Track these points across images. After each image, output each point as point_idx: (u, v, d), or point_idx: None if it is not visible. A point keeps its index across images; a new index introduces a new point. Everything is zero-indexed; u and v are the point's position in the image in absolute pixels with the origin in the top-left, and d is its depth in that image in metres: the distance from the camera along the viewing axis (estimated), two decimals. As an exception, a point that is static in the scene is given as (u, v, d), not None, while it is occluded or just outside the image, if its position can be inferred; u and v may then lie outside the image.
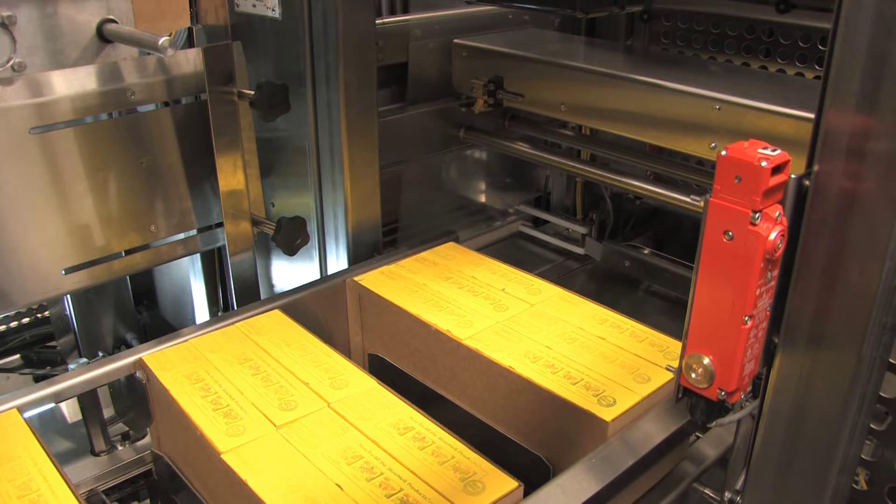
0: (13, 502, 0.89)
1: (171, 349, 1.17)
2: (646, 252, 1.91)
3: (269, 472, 0.93)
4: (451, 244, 1.49)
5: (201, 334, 1.21)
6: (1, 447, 0.98)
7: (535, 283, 1.34)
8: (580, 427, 1.03)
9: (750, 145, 0.68)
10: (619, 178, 1.56)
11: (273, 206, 1.54)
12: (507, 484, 0.91)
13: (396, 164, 1.70)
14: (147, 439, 1.24)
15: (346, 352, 1.37)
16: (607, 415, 1.01)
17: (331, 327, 1.35)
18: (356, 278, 1.35)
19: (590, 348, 1.16)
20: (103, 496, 1.19)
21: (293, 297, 1.32)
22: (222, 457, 0.96)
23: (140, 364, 1.15)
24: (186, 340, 1.19)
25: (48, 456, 0.97)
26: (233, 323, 1.24)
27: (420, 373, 1.26)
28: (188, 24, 1.40)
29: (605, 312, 1.26)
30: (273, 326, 1.23)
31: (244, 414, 1.03)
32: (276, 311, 1.27)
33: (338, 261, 1.49)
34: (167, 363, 1.14)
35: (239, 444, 0.98)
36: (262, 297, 1.56)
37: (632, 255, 1.91)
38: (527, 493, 0.92)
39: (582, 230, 2.00)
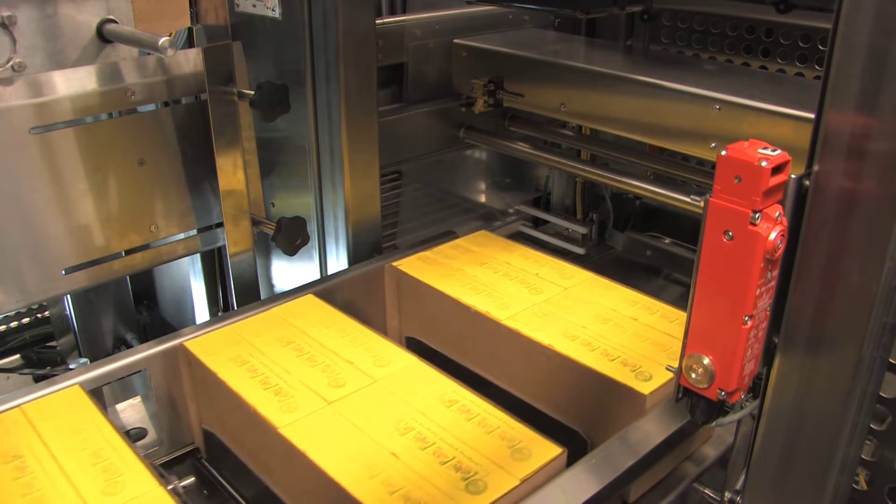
0: (89, 469, 0.94)
1: (212, 334, 1.19)
2: (666, 241, 1.96)
3: (326, 444, 0.96)
4: (483, 232, 1.53)
5: (239, 320, 1.23)
6: (70, 420, 1.02)
7: (568, 268, 1.38)
8: (619, 401, 1.07)
9: (750, 145, 0.68)
10: (619, 178, 1.56)
11: (273, 206, 1.54)
12: (552, 450, 0.95)
13: (396, 164, 1.70)
14: (149, 437, 1.24)
15: (383, 335, 1.39)
16: (645, 388, 1.04)
17: (366, 312, 1.37)
18: (395, 263, 1.38)
19: (623, 328, 1.19)
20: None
21: (327, 284, 1.35)
22: (280, 431, 0.98)
23: (181, 350, 1.16)
24: (226, 326, 1.21)
25: (114, 428, 1.01)
26: (268, 308, 1.26)
27: (458, 354, 1.30)
28: (188, 24, 1.40)
29: (635, 295, 1.29)
30: (309, 310, 1.26)
31: (294, 392, 1.06)
32: (310, 296, 1.30)
33: (338, 261, 1.49)
34: (210, 348, 1.15)
35: (294, 420, 1.00)
36: (262, 297, 1.56)
37: (653, 244, 1.96)
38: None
39: (582, 230, 2.00)
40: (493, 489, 0.89)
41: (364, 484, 0.90)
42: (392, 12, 2.09)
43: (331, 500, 0.92)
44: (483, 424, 1.00)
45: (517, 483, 0.90)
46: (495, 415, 1.02)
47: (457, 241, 1.49)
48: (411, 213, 1.86)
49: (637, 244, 1.99)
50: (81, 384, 1.09)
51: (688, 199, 1.43)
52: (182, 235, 1.42)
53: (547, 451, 0.95)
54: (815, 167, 0.67)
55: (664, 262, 1.96)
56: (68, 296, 1.61)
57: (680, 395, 0.80)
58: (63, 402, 1.06)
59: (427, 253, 1.43)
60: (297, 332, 1.19)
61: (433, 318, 1.34)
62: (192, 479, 1.04)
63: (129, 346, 1.71)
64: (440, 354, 1.33)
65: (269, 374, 1.09)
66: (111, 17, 1.20)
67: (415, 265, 1.38)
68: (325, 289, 1.33)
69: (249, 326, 1.21)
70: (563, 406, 1.15)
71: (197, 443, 1.23)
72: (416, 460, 0.93)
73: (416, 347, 1.37)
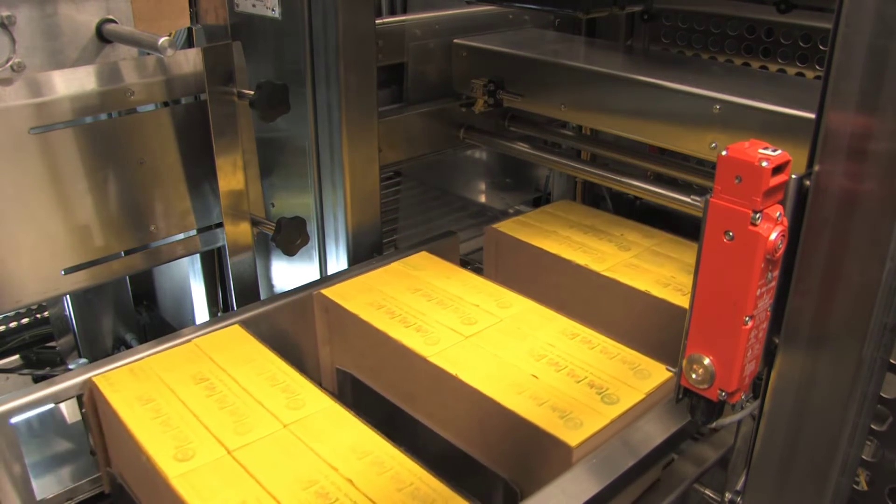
0: (269, 389, 1.08)
1: (344, 284, 1.33)
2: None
3: (472, 369, 1.11)
4: (567, 201, 1.75)
5: (362, 273, 1.36)
6: (240, 352, 1.16)
7: (647, 229, 1.56)
8: None
9: (750, 145, 0.68)
10: (619, 178, 1.56)
11: (273, 206, 1.54)
12: (667, 373, 1.10)
13: (396, 164, 1.70)
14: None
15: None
16: None
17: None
18: (495, 226, 1.55)
19: None
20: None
21: (434, 244, 1.49)
22: (429, 360, 1.13)
23: (318, 297, 1.30)
24: (353, 278, 1.34)
25: (280, 358, 1.14)
26: (387, 263, 1.40)
27: (555, 305, 1.36)
28: (188, 24, 1.40)
29: None
30: (427, 264, 1.41)
31: (432, 329, 1.20)
32: (425, 252, 1.45)
33: (338, 261, 1.49)
34: (346, 295, 1.30)
35: (439, 350, 1.15)
36: (262, 297, 1.56)
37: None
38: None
39: (582, 230, 1.99)
40: (624, 401, 1.05)
41: (514, 398, 1.05)
42: (392, 12, 2.09)
43: (481, 416, 1.06)
44: (605, 352, 1.15)
45: (643, 396, 1.06)
46: (614, 345, 1.17)
47: (543, 207, 1.68)
48: (411, 213, 1.87)
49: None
50: (240, 323, 1.23)
51: (688, 200, 1.43)
52: (182, 236, 1.42)
53: (663, 372, 1.11)
54: (816, 167, 0.67)
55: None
56: (68, 296, 1.61)
57: (680, 396, 0.80)
58: (228, 337, 1.20)
59: (520, 218, 1.60)
60: (421, 282, 1.34)
61: (532, 274, 1.49)
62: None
63: (128, 347, 1.71)
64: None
65: (406, 316, 1.24)
66: (111, 17, 1.20)
67: (513, 227, 1.55)
68: (432, 248, 1.48)
69: (376, 278, 1.35)
70: (657, 346, 1.24)
71: (326, 383, 1.36)
72: (554, 380, 1.09)
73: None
